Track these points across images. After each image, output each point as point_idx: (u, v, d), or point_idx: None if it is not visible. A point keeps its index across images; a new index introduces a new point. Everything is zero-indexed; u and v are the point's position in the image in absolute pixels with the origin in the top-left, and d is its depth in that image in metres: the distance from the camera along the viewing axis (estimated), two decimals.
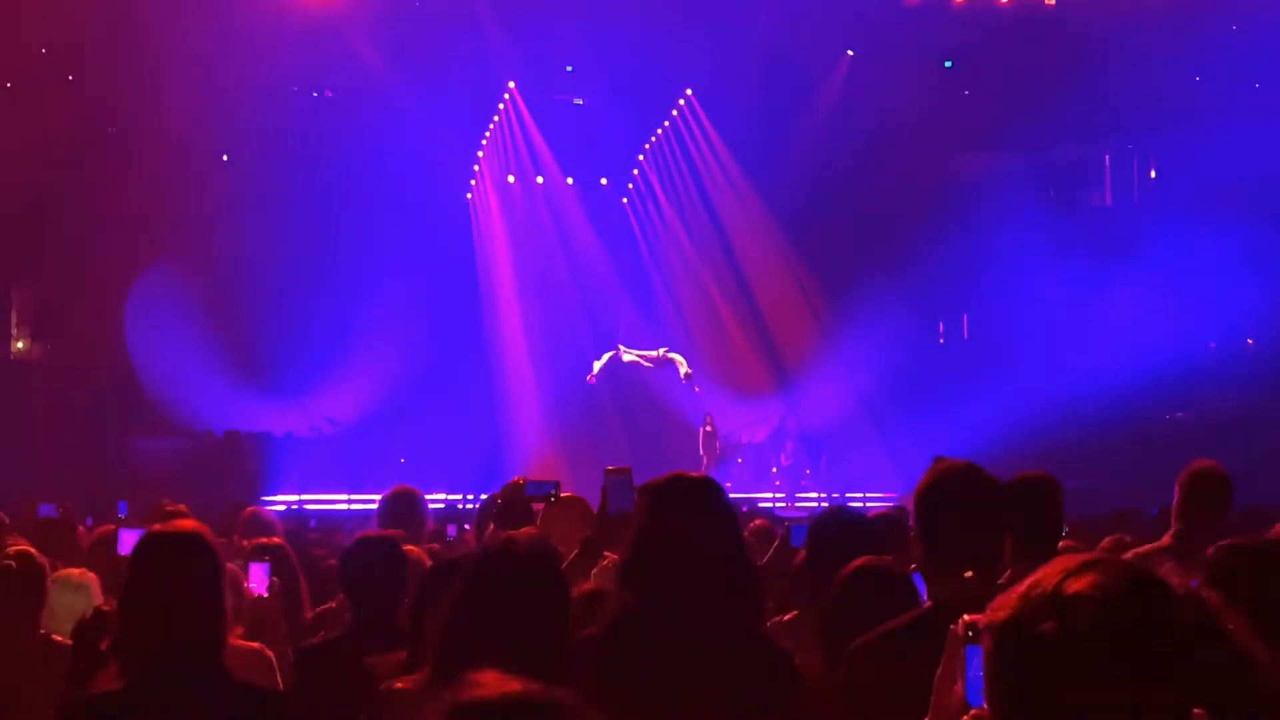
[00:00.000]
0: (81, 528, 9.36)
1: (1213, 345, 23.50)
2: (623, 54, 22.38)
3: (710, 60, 22.74)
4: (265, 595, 5.54)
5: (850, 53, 23.63)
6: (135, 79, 21.01)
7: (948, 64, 23.91)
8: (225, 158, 23.23)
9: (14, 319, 23.06)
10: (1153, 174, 25.21)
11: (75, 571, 6.05)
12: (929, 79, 23.05)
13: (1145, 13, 21.17)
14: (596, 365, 23.94)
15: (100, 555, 6.63)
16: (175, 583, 3.72)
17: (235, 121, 21.69)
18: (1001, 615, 1.97)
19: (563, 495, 6.08)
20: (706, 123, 24.77)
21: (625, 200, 26.11)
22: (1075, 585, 1.93)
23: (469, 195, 25.68)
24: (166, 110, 20.81)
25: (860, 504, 18.39)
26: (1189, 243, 22.05)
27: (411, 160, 22.96)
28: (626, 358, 24.05)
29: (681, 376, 23.58)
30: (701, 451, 23.51)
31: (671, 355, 23.88)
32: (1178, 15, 21.09)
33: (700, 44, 22.36)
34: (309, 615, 6.36)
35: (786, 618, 5.15)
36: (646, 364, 24.05)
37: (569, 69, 24.30)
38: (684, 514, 3.89)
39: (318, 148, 22.43)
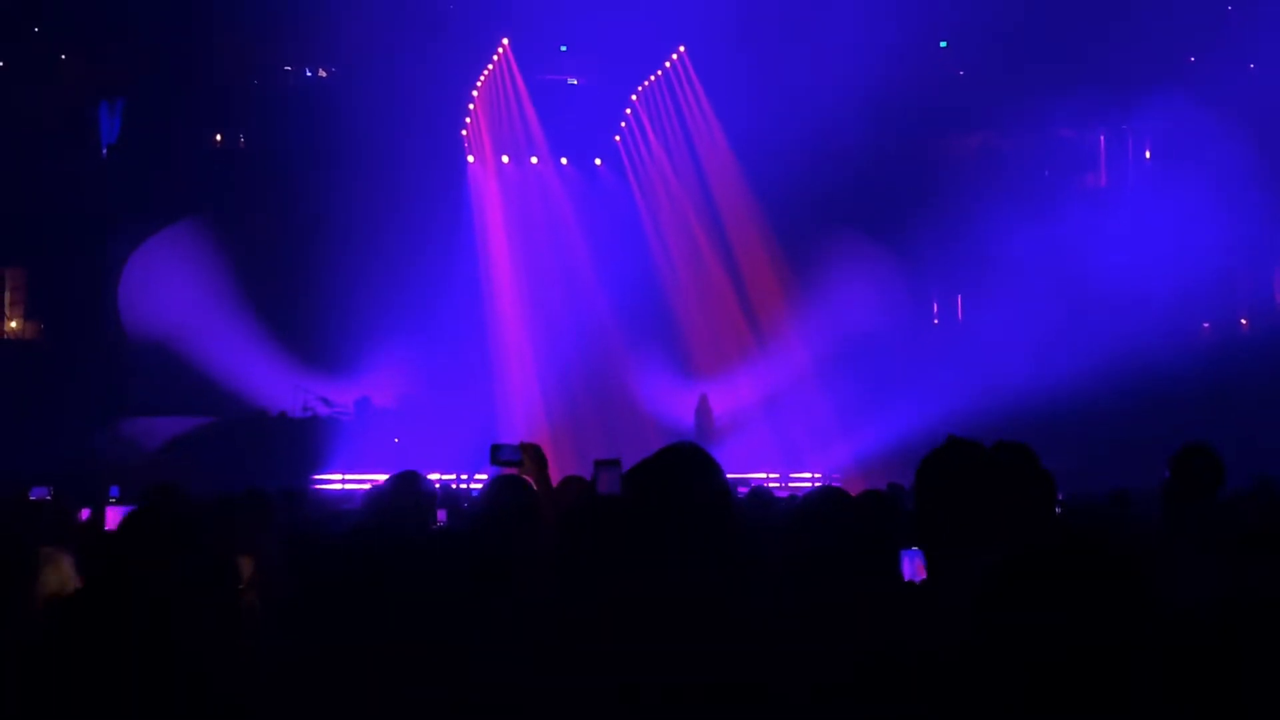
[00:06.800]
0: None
1: (1206, 326, 23.48)
2: (617, 23, 22.25)
3: (705, 28, 22.60)
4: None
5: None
6: (129, 57, 20.95)
7: (943, 44, 23.85)
8: (219, 138, 23.15)
9: (7, 299, 22.99)
10: (1147, 155, 25.17)
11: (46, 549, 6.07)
12: (924, 59, 22.96)
13: None
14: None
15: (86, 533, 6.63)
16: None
17: (229, 102, 21.62)
18: None
19: (566, 477, 6.11)
20: (698, 85, 24.61)
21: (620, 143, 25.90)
22: None
23: (465, 177, 25.60)
24: (160, 88, 20.75)
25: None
26: (1183, 224, 22.03)
27: (406, 143, 22.86)
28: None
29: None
30: (695, 435, 23.44)
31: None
32: None
33: (697, 12, 22.20)
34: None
35: None
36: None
37: (563, 49, 24.21)
38: (668, 477, 3.86)
39: (311, 128, 22.31)
